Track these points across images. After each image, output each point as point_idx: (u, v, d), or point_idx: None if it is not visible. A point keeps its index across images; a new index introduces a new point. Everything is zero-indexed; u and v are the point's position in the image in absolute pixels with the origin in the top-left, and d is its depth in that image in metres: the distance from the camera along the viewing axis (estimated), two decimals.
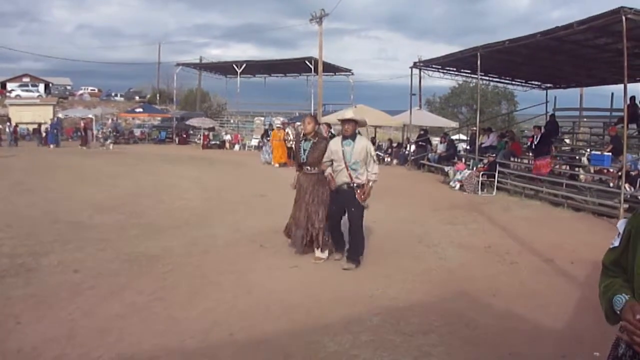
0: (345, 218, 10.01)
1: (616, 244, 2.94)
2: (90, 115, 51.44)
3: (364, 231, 10.09)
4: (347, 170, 9.51)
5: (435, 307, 7.69)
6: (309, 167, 10.07)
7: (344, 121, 9.73)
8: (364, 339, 6.42)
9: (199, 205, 15.92)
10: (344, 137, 9.69)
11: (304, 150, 10.07)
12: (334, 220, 9.92)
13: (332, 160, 9.73)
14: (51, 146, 42.14)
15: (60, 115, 51.61)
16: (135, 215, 13.95)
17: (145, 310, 7.18)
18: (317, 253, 10.06)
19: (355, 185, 9.55)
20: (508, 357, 6.12)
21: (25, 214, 13.31)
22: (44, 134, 45.04)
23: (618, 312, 2.69)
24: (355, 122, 9.73)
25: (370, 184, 9.66)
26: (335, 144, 9.74)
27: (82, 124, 45.77)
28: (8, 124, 45.31)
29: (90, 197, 16.46)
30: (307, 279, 8.85)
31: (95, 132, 49.68)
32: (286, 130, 32.27)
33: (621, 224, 2.95)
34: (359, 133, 10.22)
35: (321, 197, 9.99)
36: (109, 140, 44.58)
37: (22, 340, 5.99)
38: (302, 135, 10.40)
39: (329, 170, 9.75)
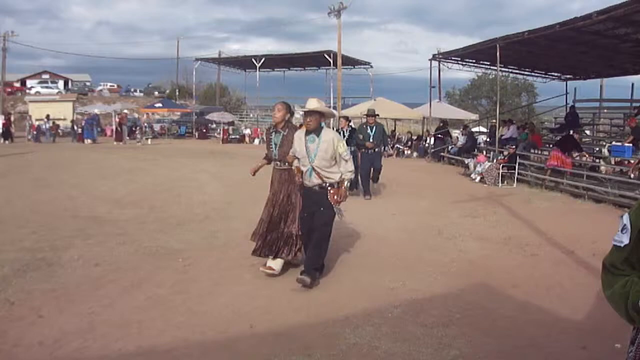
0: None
1: (626, 241, 2.80)
2: (125, 111, 51.67)
3: (329, 242, 8.67)
4: (314, 170, 8.14)
5: (455, 299, 7.68)
6: (279, 163, 8.85)
7: (306, 113, 8.31)
8: (384, 330, 6.43)
9: (219, 199, 15.96)
10: (307, 132, 8.26)
11: (275, 144, 8.84)
12: (307, 230, 8.41)
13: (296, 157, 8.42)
14: (86, 141, 42.14)
15: (96, 110, 51.69)
16: (155, 209, 14.01)
17: (165, 303, 7.22)
18: (270, 262, 8.67)
19: (327, 185, 8.16)
20: (528, 349, 6.10)
21: (46, 209, 13.40)
22: (79, 130, 45.13)
23: None
24: (320, 114, 8.31)
25: (346, 184, 8.32)
26: (298, 140, 8.34)
27: (117, 120, 45.85)
28: (45, 120, 45.42)
29: (110, 192, 16.56)
30: (327, 271, 8.83)
31: (113, 127, 49.95)
32: None
33: (626, 218, 2.85)
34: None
35: (295, 198, 8.76)
36: (146, 136, 44.87)
37: (44, 333, 6.04)
38: (272, 126, 9.16)
39: (296, 163, 8.40)
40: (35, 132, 44.43)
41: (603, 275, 2.93)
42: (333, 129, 22.47)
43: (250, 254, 8.88)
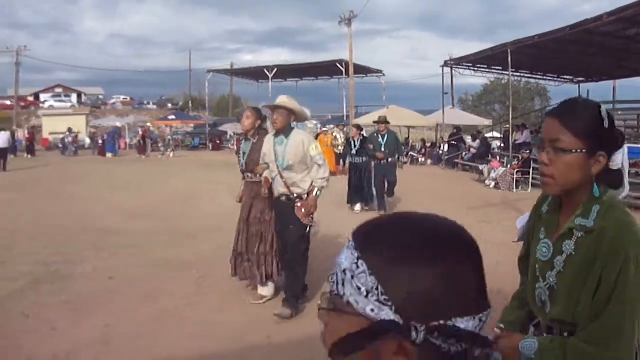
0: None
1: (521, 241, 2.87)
2: (148, 124, 52.03)
3: (308, 260, 7.80)
4: (282, 177, 7.34)
5: None
6: (250, 175, 8.09)
7: (273, 110, 7.47)
8: None
9: (232, 211, 15.83)
10: (276, 134, 7.52)
11: (244, 153, 8.13)
12: (283, 248, 7.66)
13: (267, 164, 7.60)
14: (108, 155, 42.61)
15: (118, 123, 52.11)
16: (168, 221, 14.00)
17: (179, 315, 7.19)
18: (260, 290, 8.00)
19: (295, 196, 7.32)
20: None
21: (59, 223, 13.42)
22: (100, 143, 45.43)
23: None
24: (288, 112, 7.39)
25: (316, 192, 7.32)
26: (267, 144, 7.57)
27: (141, 133, 46.11)
28: (67, 133, 45.71)
29: (123, 204, 16.57)
30: None
31: (128, 140, 50.15)
32: (333, 135, 28.37)
33: (520, 221, 2.88)
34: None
35: (269, 214, 7.91)
36: (169, 149, 45.44)
37: (57, 346, 6.03)
38: (243, 134, 8.39)
39: (265, 174, 7.59)
40: (62, 146, 44.83)
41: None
42: (345, 137, 21.90)
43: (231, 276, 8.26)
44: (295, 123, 7.81)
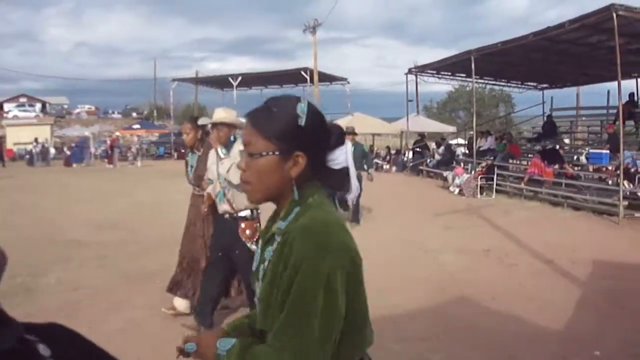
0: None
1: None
2: (117, 134, 51.80)
3: None
4: (224, 194, 6.86)
5: (435, 312, 7.69)
6: (196, 188, 7.96)
7: (213, 126, 7.19)
8: None
9: None
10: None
11: (191, 166, 8.03)
12: (211, 267, 7.21)
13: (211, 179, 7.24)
14: (74, 165, 42.37)
15: (87, 133, 51.86)
16: (134, 231, 13.92)
17: (144, 326, 7.19)
18: (176, 301, 7.84)
19: (238, 216, 6.77)
20: None
21: (24, 234, 13.27)
22: (68, 153, 45.07)
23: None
24: (228, 127, 7.07)
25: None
26: (210, 159, 7.21)
27: (109, 142, 45.96)
28: (35, 144, 45.35)
29: (89, 215, 16.45)
30: None
31: (93, 150, 49.79)
32: None
33: None
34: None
35: (208, 229, 7.67)
36: (138, 158, 45.80)
37: None
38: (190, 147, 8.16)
39: (208, 190, 7.21)
40: (29, 157, 44.49)
41: None
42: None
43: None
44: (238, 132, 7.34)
